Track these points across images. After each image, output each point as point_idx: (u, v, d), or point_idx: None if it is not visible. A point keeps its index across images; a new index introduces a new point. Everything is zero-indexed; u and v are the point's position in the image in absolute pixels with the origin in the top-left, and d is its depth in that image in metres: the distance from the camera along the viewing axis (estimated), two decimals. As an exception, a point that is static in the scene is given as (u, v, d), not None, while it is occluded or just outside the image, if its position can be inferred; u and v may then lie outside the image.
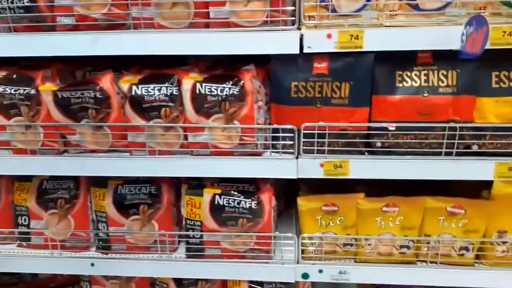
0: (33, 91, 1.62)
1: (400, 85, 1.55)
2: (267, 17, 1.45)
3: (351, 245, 1.72)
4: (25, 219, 1.87)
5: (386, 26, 1.46)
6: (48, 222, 1.84)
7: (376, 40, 1.43)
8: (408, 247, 1.69)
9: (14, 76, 1.65)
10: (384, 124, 1.54)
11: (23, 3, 1.50)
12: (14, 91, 1.63)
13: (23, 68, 1.71)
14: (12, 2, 1.50)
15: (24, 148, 1.68)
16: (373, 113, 1.57)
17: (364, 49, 1.43)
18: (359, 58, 1.50)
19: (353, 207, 1.68)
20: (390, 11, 1.48)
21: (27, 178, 1.84)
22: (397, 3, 1.45)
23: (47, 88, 1.59)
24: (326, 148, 1.56)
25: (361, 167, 1.56)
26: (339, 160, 1.55)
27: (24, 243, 1.89)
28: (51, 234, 1.83)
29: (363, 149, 1.61)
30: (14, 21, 1.54)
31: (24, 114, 1.64)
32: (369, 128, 1.57)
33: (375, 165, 1.56)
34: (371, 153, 1.62)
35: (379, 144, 1.58)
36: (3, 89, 1.63)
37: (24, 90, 1.63)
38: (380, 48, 1.44)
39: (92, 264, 1.81)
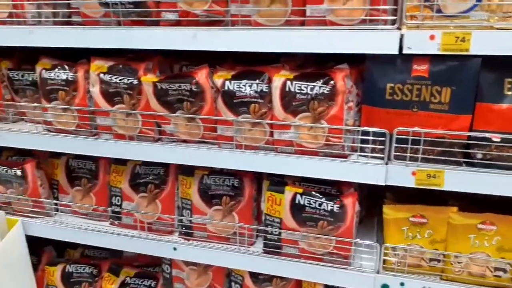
0: (135, 81, 1.75)
1: (509, 93, 1.41)
2: (366, 15, 1.40)
3: (439, 261, 1.61)
4: (118, 200, 2.03)
5: (496, 28, 1.33)
6: (138, 204, 1.97)
7: (485, 43, 1.31)
8: (504, 271, 1.54)
9: (120, 67, 1.79)
10: (487, 135, 1.42)
11: (133, -2, 1.61)
12: (119, 80, 1.76)
13: (128, 59, 1.84)
14: (124, -2, 1.62)
15: (123, 134, 1.82)
16: (475, 121, 1.45)
17: (470, 53, 1.33)
18: (464, 62, 1.39)
19: (444, 221, 1.57)
20: (504, 12, 1.35)
21: (123, 162, 1.98)
22: (513, 4, 1.33)
23: (148, 79, 1.70)
24: (419, 155, 1.47)
25: (457, 179, 1.45)
26: (433, 170, 1.46)
27: (116, 222, 2.05)
28: (140, 216, 1.96)
29: (461, 159, 1.49)
30: (123, 15, 1.66)
31: (126, 102, 1.77)
32: (469, 138, 1.45)
33: (474, 178, 1.44)
34: (469, 164, 1.49)
35: (479, 156, 1.46)
36: (109, 78, 1.78)
37: (128, 80, 1.75)
38: (488, 52, 1.32)
39: (175, 249, 1.91)
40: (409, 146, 1.47)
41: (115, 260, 2.36)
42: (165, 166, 1.93)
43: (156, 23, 1.64)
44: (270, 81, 1.61)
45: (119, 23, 1.68)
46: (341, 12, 1.43)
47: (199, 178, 1.86)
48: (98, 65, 1.80)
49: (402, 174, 1.50)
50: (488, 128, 1.43)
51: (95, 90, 1.80)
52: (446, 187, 1.47)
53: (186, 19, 1.59)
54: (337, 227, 1.64)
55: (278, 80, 1.59)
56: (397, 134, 1.47)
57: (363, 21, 1.42)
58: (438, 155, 1.49)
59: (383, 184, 1.52)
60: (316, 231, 1.67)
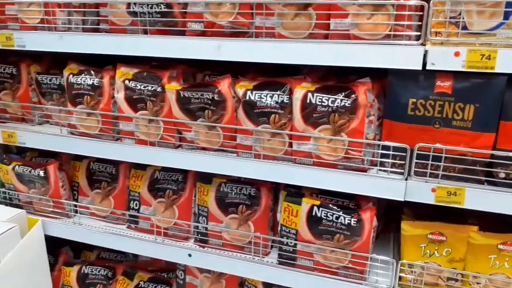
0: (159, 89, 1.78)
1: (535, 113, 1.39)
2: (390, 31, 1.41)
3: (456, 280, 1.58)
4: (136, 204, 2.05)
5: (523, 47, 1.32)
6: (156, 209, 1.99)
7: (511, 61, 1.30)
8: (525, 294, 1.51)
9: (145, 74, 1.83)
10: (511, 154, 1.40)
11: (160, 8, 1.65)
12: (143, 87, 1.80)
13: (152, 67, 1.88)
14: (151, 7, 1.67)
15: (145, 140, 1.85)
16: (499, 140, 1.43)
17: (495, 71, 1.32)
18: (489, 79, 1.38)
19: (464, 240, 1.55)
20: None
21: (143, 167, 2.01)
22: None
23: (172, 87, 1.73)
24: (440, 172, 1.46)
25: (479, 198, 1.43)
26: (454, 187, 1.44)
27: (133, 225, 2.07)
28: (157, 221, 1.98)
29: (483, 178, 1.47)
30: (150, 24, 1.71)
31: (149, 108, 1.81)
32: (492, 156, 1.43)
33: (496, 197, 1.42)
34: (491, 183, 1.47)
35: (502, 175, 1.43)
36: (134, 85, 1.82)
37: (152, 87, 1.79)
38: (515, 71, 1.31)
39: (190, 255, 1.92)
40: (430, 162, 1.46)
41: (130, 263, 2.38)
42: (184, 172, 1.96)
43: (182, 33, 1.68)
44: (291, 92, 1.63)
45: (145, 32, 1.72)
46: (365, 26, 1.44)
47: (217, 186, 1.87)
48: (123, 72, 1.85)
49: (422, 190, 1.49)
50: (512, 148, 1.41)
51: (120, 96, 1.85)
52: (466, 205, 1.45)
53: (211, 30, 1.63)
54: (353, 241, 1.63)
55: (299, 92, 1.60)
56: (418, 150, 1.46)
57: (387, 36, 1.42)
58: (459, 172, 1.47)
59: (402, 199, 1.51)
60: (332, 244, 1.66)
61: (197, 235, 1.95)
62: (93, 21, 1.91)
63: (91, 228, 2.08)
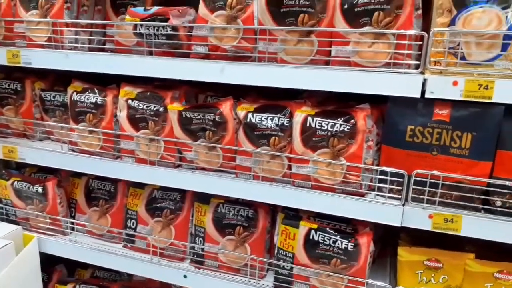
0: (161, 109, 1.81)
1: (532, 143, 1.42)
2: (390, 59, 1.45)
3: (453, 308, 1.57)
4: (133, 223, 2.05)
5: (520, 78, 1.36)
6: (152, 228, 1.98)
7: (508, 92, 1.33)
8: (522, 324, 1.50)
9: (148, 94, 1.85)
10: (508, 183, 1.41)
11: (166, 30, 1.69)
12: (146, 106, 1.82)
13: (155, 87, 1.91)
14: (157, 30, 1.71)
15: (145, 159, 1.86)
16: (495, 168, 1.44)
17: (493, 100, 1.35)
18: (486, 109, 1.41)
19: (460, 267, 1.55)
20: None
21: (141, 185, 2.01)
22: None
23: (174, 108, 1.75)
24: (437, 199, 1.47)
25: (475, 225, 1.44)
26: (451, 214, 1.45)
27: (128, 245, 2.06)
28: (153, 241, 1.97)
29: (479, 206, 1.48)
30: (155, 45, 1.74)
31: (151, 128, 1.83)
32: (489, 184, 1.44)
33: (492, 225, 1.43)
34: (488, 211, 1.48)
35: (499, 203, 1.45)
36: (137, 104, 1.84)
37: (154, 107, 1.82)
38: (511, 101, 1.34)
39: (185, 276, 1.90)
40: (427, 189, 1.48)
41: (125, 283, 2.35)
42: (182, 192, 1.96)
43: (186, 55, 1.71)
44: (291, 115, 1.65)
45: (150, 53, 1.76)
46: (366, 54, 1.47)
47: (214, 207, 1.87)
48: (127, 91, 1.87)
49: (419, 217, 1.49)
50: (508, 176, 1.42)
51: (122, 115, 1.87)
52: (463, 233, 1.45)
53: (215, 53, 1.66)
54: (350, 266, 1.63)
55: (299, 116, 1.62)
56: (415, 176, 1.48)
57: (387, 64, 1.46)
58: (457, 199, 1.48)
59: (399, 225, 1.51)
60: (328, 268, 1.65)
61: (193, 256, 1.94)
62: (99, 41, 1.95)
63: (87, 246, 2.07)
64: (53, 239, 2.12)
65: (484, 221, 1.44)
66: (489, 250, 1.56)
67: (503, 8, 1.36)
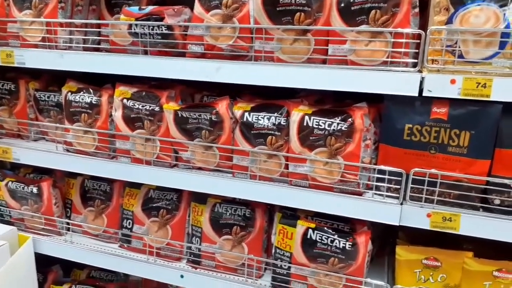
0: (157, 108, 1.79)
1: (530, 141, 1.41)
2: (387, 57, 1.44)
3: (452, 307, 1.57)
4: (129, 223, 2.03)
5: (519, 76, 1.35)
6: (149, 228, 1.97)
7: (506, 90, 1.33)
8: (520, 323, 1.49)
9: (143, 93, 1.84)
10: (506, 181, 1.41)
11: (161, 30, 1.68)
12: (142, 106, 1.81)
13: (151, 86, 1.89)
14: (152, 29, 1.69)
15: (141, 158, 1.85)
16: (494, 167, 1.44)
17: (491, 99, 1.34)
18: (484, 107, 1.40)
19: (459, 266, 1.54)
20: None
21: (137, 185, 2.00)
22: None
23: (170, 107, 1.74)
24: (435, 197, 1.47)
25: (474, 224, 1.44)
26: (449, 213, 1.44)
27: (125, 245, 2.05)
28: (150, 241, 1.96)
29: (478, 204, 1.48)
30: (150, 45, 1.73)
31: (146, 128, 1.81)
32: (487, 183, 1.44)
33: (491, 223, 1.42)
34: (486, 209, 1.48)
35: (497, 202, 1.44)
36: (132, 104, 1.82)
37: (150, 106, 1.80)
38: (509, 99, 1.33)
39: (182, 276, 1.89)
40: (425, 187, 1.47)
41: (121, 283, 2.34)
42: (179, 192, 1.95)
43: (182, 54, 1.69)
44: (288, 115, 1.64)
45: (146, 52, 1.74)
46: (363, 52, 1.46)
47: (211, 206, 1.86)
48: (122, 91, 1.85)
49: (417, 215, 1.49)
50: (507, 174, 1.42)
51: (118, 114, 1.85)
52: (461, 231, 1.45)
53: (211, 52, 1.65)
54: (348, 265, 1.62)
55: (296, 115, 1.61)
56: (413, 175, 1.47)
57: (384, 63, 1.45)
58: (455, 198, 1.48)
59: (397, 224, 1.51)
60: (326, 267, 1.65)
61: (190, 256, 1.93)
62: (94, 40, 1.93)
63: (83, 247, 2.05)
64: (49, 239, 2.10)
65: (482, 220, 1.43)
66: (487, 249, 1.56)
67: (501, 6, 1.35)
